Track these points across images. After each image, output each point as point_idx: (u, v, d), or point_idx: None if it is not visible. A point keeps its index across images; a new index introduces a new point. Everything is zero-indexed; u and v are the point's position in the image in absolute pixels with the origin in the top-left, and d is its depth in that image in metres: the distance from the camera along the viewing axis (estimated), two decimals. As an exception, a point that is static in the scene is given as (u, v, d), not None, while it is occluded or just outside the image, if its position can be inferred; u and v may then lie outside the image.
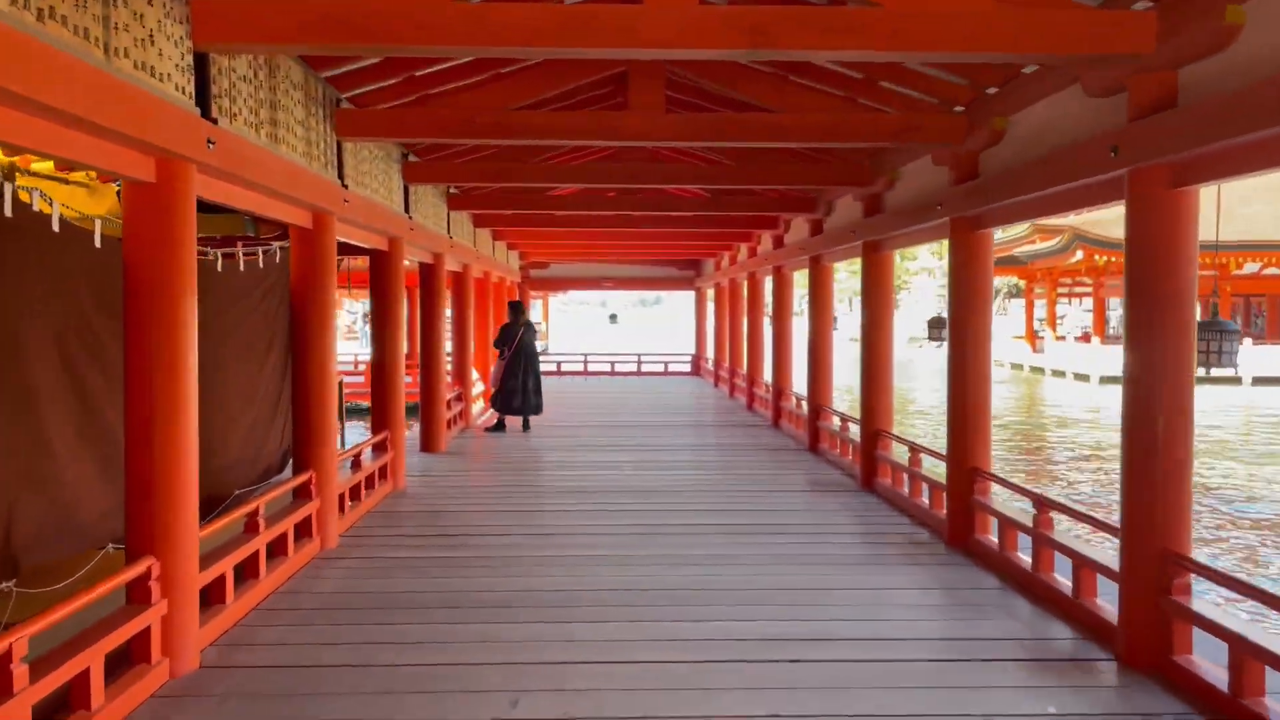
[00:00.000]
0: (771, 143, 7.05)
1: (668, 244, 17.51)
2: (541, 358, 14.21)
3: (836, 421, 10.21)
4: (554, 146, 9.35)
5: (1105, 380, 28.58)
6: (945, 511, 6.67)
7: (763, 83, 6.99)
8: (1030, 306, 39.55)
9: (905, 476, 7.71)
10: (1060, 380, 30.76)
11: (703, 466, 9.77)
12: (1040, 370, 33.63)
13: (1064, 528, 5.53)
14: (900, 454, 8.12)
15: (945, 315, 7.76)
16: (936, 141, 6.51)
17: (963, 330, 6.47)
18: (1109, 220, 28.61)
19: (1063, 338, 35.69)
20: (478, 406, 14.54)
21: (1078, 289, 39.36)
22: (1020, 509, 5.97)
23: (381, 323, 8.34)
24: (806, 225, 10.99)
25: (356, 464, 7.40)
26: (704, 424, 13.88)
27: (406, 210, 8.52)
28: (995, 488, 6.28)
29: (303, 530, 6.05)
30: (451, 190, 10.71)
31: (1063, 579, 5.03)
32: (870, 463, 8.48)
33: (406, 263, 8.92)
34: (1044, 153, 5.27)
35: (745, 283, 16.27)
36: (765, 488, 8.58)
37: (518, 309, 12.80)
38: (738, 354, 17.32)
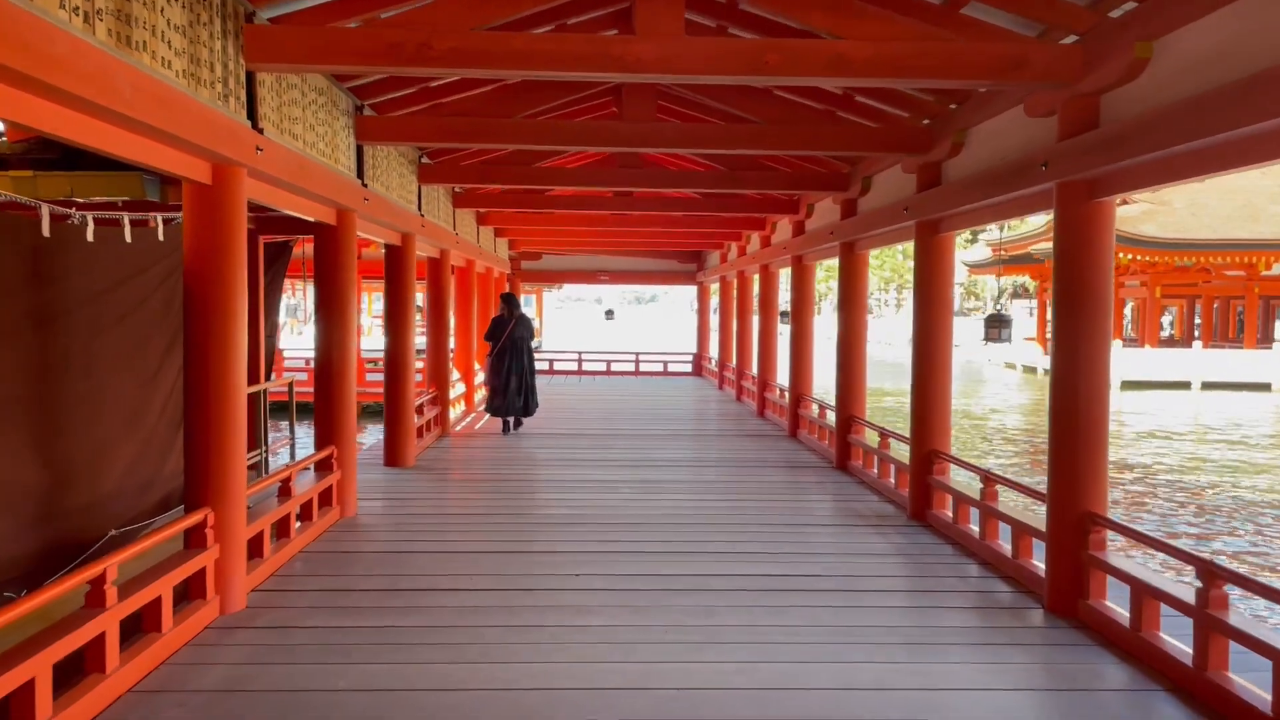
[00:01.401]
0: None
1: (669, 233, 16.00)
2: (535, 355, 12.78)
3: (871, 437, 8.70)
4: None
5: (1126, 386, 27.13)
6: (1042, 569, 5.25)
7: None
8: (1043, 307, 38.03)
9: (977, 515, 6.21)
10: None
11: (713, 489, 8.26)
12: (1032, 369, 32.13)
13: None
14: (964, 488, 6.66)
15: (1004, 313, 7.43)
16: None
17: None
18: (1134, 216, 27.18)
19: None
20: (457, 410, 12.98)
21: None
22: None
23: (327, 311, 6.80)
24: (837, 208, 9.47)
25: (286, 491, 5.86)
26: (711, 433, 12.33)
27: (360, 175, 6.98)
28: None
29: (193, 588, 4.52)
30: (423, 159, 9.16)
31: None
32: (922, 490, 6.97)
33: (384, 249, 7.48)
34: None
35: (756, 276, 14.75)
36: (791, 520, 7.09)
37: (510, 301, 11.72)
38: (746, 354, 15.80)
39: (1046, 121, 5.13)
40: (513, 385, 11.27)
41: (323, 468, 6.69)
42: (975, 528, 6.17)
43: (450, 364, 13.27)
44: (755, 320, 14.96)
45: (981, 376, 33.16)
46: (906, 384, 7.37)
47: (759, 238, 14.01)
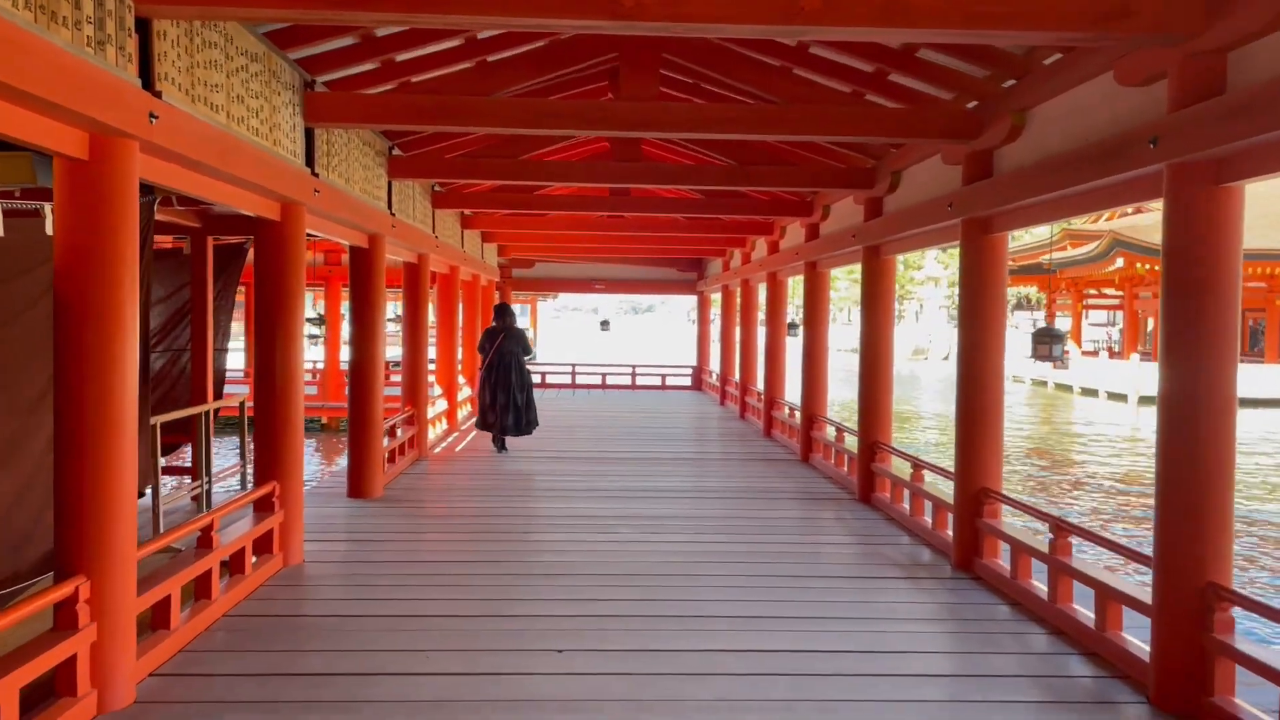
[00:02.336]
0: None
1: (668, 238, 14.98)
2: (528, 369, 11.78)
3: (900, 467, 7.68)
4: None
5: (1145, 400, 26.12)
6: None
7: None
8: (1051, 319, 37.09)
9: (1042, 569, 5.17)
10: (1091, 400, 28.29)
11: (721, 527, 7.22)
12: (1066, 388, 31.15)
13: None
14: (1028, 535, 5.64)
15: (1056, 328, 6.97)
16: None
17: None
18: (1148, 225, 26.24)
19: (1095, 352, 33.38)
20: (439, 429, 11.94)
21: (1101, 301, 36.97)
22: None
23: (268, 319, 5.77)
24: (860, 209, 8.47)
25: (207, 541, 4.81)
26: (715, 457, 11.28)
27: (310, 163, 5.95)
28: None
29: (61, 681, 3.48)
30: (394, 150, 8.14)
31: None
32: (970, 535, 5.94)
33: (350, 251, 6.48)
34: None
35: (762, 285, 13.74)
36: (813, 569, 6.05)
37: (503, 312, 10.81)
38: (750, 369, 14.78)
39: (1148, 91, 4.25)
40: (500, 401, 10.44)
41: (262, 507, 5.64)
42: (1040, 585, 5.16)
43: (432, 379, 12.24)
44: (761, 332, 13.96)
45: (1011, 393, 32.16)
46: (944, 404, 6.28)
47: (765, 243, 13.01)
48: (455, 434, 12.29)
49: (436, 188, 10.34)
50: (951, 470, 6.31)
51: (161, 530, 6.46)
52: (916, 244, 7.35)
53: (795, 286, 18.57)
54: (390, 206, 8.16)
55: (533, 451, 10.84)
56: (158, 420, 6.30)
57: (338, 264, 17.29)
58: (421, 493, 8.35)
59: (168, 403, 7.97)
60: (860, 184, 8.08)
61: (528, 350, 10.83)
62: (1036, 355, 6.79)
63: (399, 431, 9.43)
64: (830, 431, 9.98)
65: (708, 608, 5.11)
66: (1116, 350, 35.70)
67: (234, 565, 5.19)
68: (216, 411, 7.98)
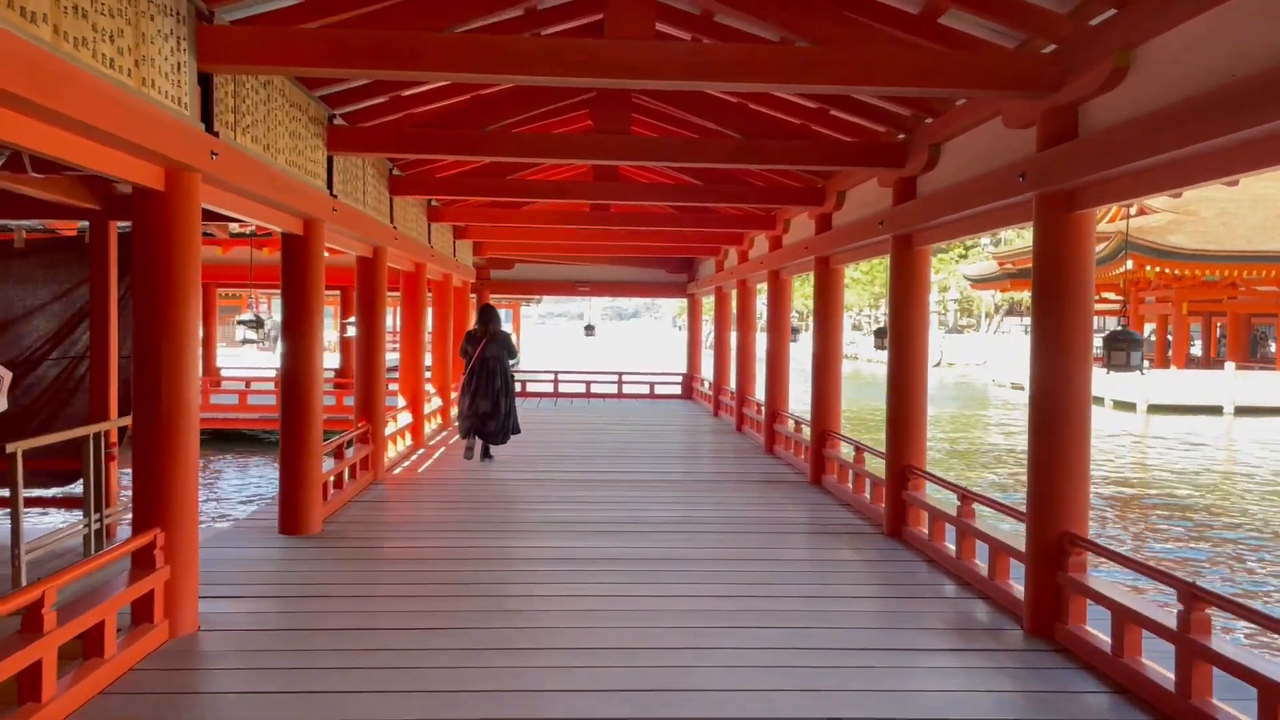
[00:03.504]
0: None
1: (658, 233, 13.75)
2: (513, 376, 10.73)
3: (942, 499, 6.43)
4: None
5: (1155, 409, 25.04)
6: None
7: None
8: (1133, 322, 35.99)
9: (1156, 646, 3.94)
10: (1097, 408, 27.16)
11: (726, 573, 5.96)
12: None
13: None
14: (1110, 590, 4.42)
15: (1132, 331, 5.80)
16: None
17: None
18: (1160, 226, 25.18)
19: (1098, 359, 32.33)
20: (401, 445, 10.63)
21: (1101, 306, 35.88)
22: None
23: (148, 318, 4.46)
24: (888, 193, 7.24)
25: (34, 622, 3.50)
26: (712, 478, 9.98)
27: (208, 122, 4.65)
28: None
29: None
30: (335, 119, 6.84)
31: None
32: (1047, 592, 4.69)
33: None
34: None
35: (764, 284, 12.51)
36: (842, 637, 4.76)
37: (486, 315, 10.26)
38: (748, 377, 13.54)
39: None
40: (481, 409, 9.92)
41: (141, 561, 4.34)
42: (1153, 666, 4.00)
43: (392, 388, 10.95)
44: (760, 337, 12.78)
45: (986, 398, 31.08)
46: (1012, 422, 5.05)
47: (767, 239, 11.76)
48: (420, 451, 10.97)
49: (395, 171, 9.03)
50: (1022, 509, 5.06)
51: (24, 582, 5.16)
52: (964, 230, 6.13)
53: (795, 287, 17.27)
54: (331, 187, 6.86)
55: (508, 472, 9.58)
56: (18, 447, 4.97)
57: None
58: (370, 527, 7.04)
59: (61, 420, 6.66)
60: (890, 162, 6.85)
61: (513, 354, 10.27)
62: (1111, 364, 5.56)
63: (348, 451, 8.11)
64: (846, 451, 8.74)
65: (705, 678, 3.84)
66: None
67: (90, 645, 3.88)
68: (125, 430, 6.69)
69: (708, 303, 20.91)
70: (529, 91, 7.21)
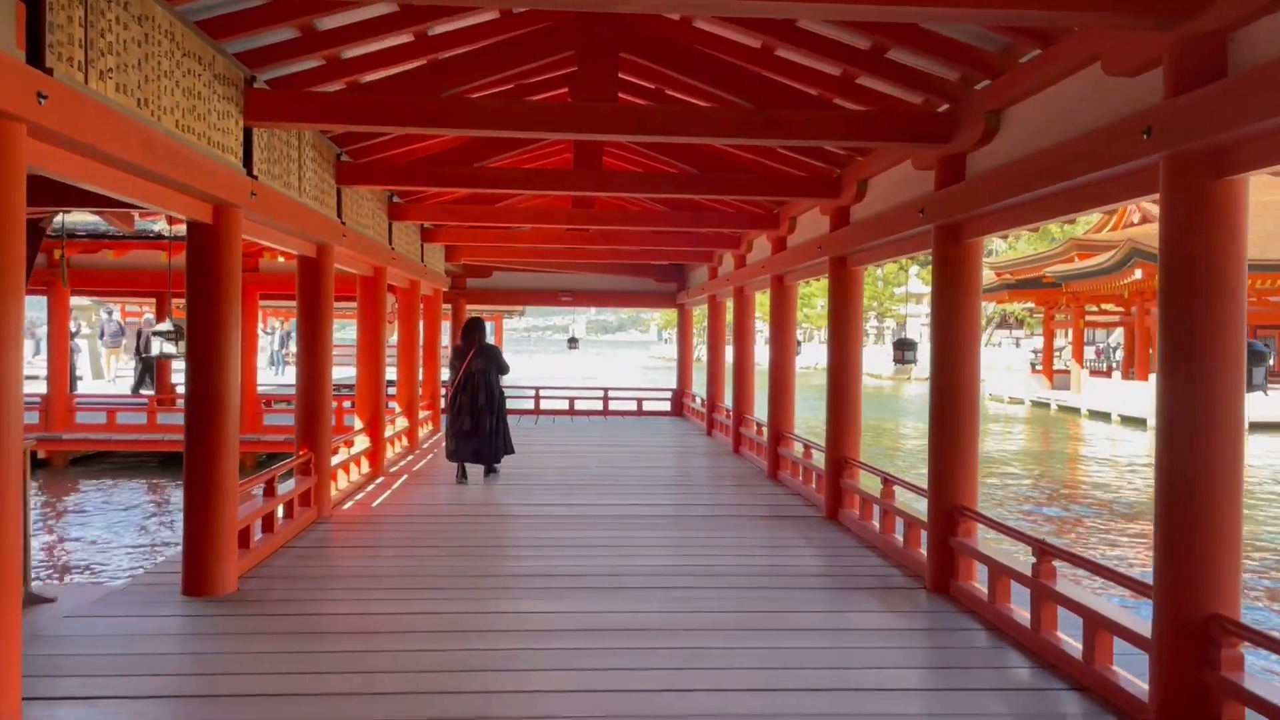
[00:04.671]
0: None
1: (647, 235, 12.51)
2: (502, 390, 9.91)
3: (997, 542, 5.19)
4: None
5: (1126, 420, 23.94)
6: None
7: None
8: (1049, 336, 35.02)
9: None
10: (1103, 424, 26.09)
11: (737, 651, 4.70)
12: (1073, 410, 28.95)
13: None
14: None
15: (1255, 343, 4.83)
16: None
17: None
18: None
19: (1107, 372, 31.34)
20: (356, 474, 9.32)
21: (1102, 318, 34.93)
22: None
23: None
24: (928, 178, 6.02)
25: None
26: (709, 512, 8.64)
27: (37, 62, 3.37)
28: None
29: None
30: (257, 82, 5.56)
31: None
32: (1186, 682, 3.45)
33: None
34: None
35: (766, 291, 11.32)
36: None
37: (472, 329, 9.78)
38: (746, 394, 12.32)
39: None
40: (466, 427, 9.37)
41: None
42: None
43: (328, 409, 9.65)
44: (765, 349, 11.63)
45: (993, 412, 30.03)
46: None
47: (769, 239, 10.54)
48: (379, 480, 9.67)
49: (343, 156, 7.78)
50: (1121, 572, 3.83)
51: None
52: (1032, 215, 4.91)
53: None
54: (251, 167, 5.59)
55: (477, 506, 8.30)
56: None
57: (253, 269, 14.61)
58: (299, 584, 5.75)
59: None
60: (930, 136, 5.63)
61: (502, 369, 9.73)
62: (1253, 384, 4.35)
63: (277, 488, 6.79)
64: (867, 481, 7.52)
65: None
66: (1108, 369, 33.69)
67: None
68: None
69: (700, 313, 19.70)
70: (498, 51, 5.98)
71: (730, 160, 8.55)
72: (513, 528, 7.49)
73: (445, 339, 18.24)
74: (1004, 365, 44.12)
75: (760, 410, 11.76)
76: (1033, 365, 36.67)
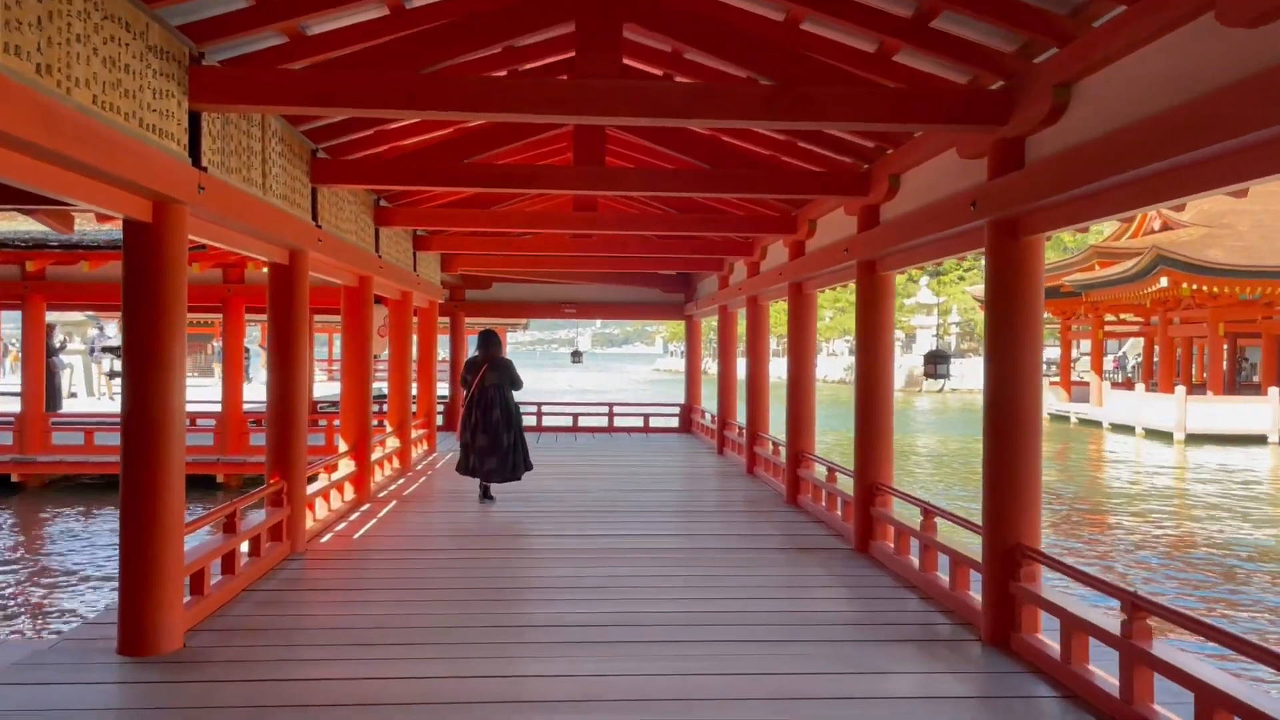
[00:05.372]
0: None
1: (653, 242, 11.78)
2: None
3: (1068, 595, 4.45)
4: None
5: (1194, 439, 23.12)
6: None
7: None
8: (1066, 347, 34.19)
9: None
10: (1127, 437, 25.26)
11: (759, 700, 3.97)
12: (1094, 423, 28.11)
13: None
14: None
15: None
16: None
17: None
18: (1195, 240, 23.38)
19: (1127, 384, 30.50)
20: (338, 501, 8.57)
21: (1121, 328, 34.12)
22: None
23: None
24: (980, 166, 5.27)
25: None
26: (724, 544, 7.75)
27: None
28: None
29: None
30: (205, 59, 4.82)
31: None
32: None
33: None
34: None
35: (781, 300, 10.58)
36: None
37: (486, 341, 9.41)
38: (761, 410, 11.55)
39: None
40: (480, 443, 9.05)
41: None
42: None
43: (302, 429, 8.91)
44: (777, 363, 10.89)
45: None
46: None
47: (786, 245, 9.79)
48: (365, 507, 8.91)
49: (320, 153, 7.06)
50: (1244, 637, 3.09)
51: None
52: (1107, 207, 4.16)
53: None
54: (199, 158, 4.86)
55: (470, 535, 7.56)
56: None
57: (238, 280, 13.90)
58: (255, 640, 4.98)
59: None
60: (979, 116, 4.87)
61: (515, 383, 9.36)
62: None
63: (238, 523, 6.03)
64: (903, 511, 6.76)
65: None
66: (1127, 381, 32.80)
67: None
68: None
69: (709, 324, 18.94)
70: (487, 22, 5.25)
71: (744, 156, 7.93)
72: (506, 565, 6.73)
73: (443, 353, 17.53)
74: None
75: (775, 428, 11.01)
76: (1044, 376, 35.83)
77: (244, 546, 6.10)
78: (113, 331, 29.59)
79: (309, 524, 7.37)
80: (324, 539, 7.46)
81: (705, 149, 7.98)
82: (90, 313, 27.81)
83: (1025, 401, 4.88)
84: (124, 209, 4.35)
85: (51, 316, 30.79)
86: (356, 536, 7.62)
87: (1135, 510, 14.65)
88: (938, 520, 6.05)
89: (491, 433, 9.04)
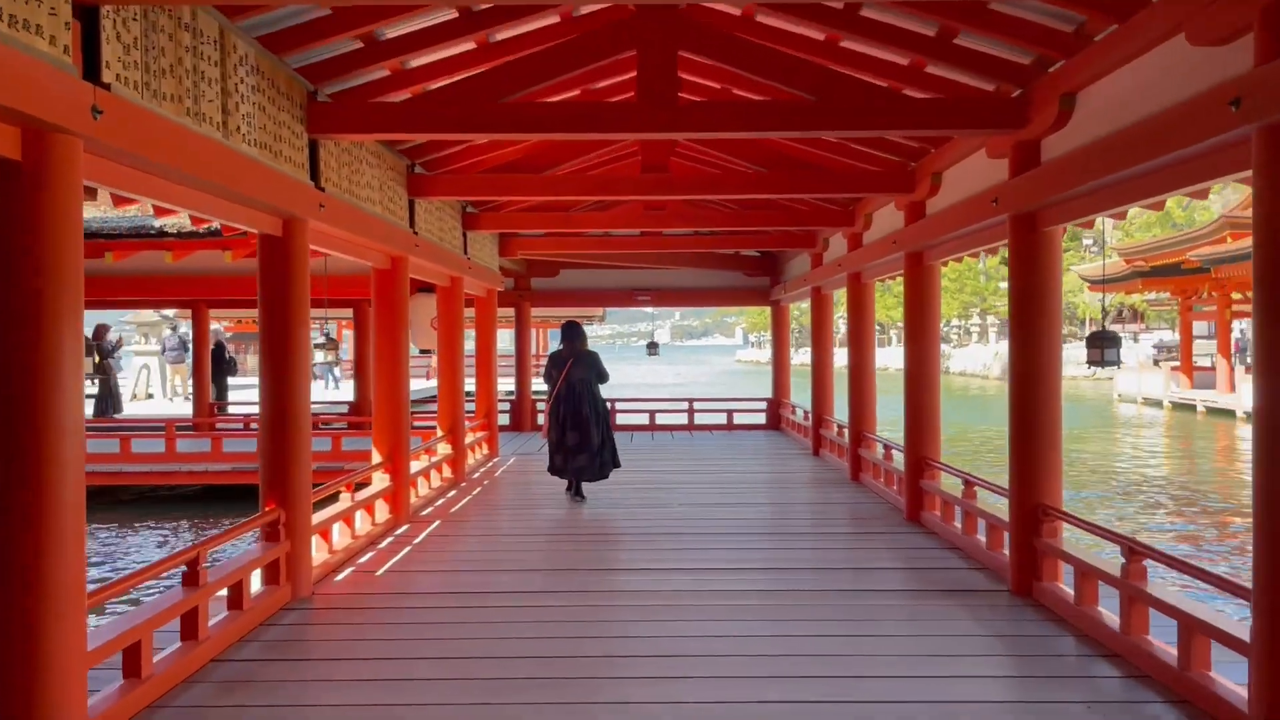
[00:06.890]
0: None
1: (733, 217, 10.23)
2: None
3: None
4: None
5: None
6: None
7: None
8: (1187, 329, 31.25)
9: None
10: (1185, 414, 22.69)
11: None
12: (1225, 413, 25.53)
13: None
14: None
15: None
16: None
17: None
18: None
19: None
20: (366, 521, 7.17)
21: (1247, 307, 31.02)
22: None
23: None
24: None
25: None
26: (832, 582, 6.11)
27: None
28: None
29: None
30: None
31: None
32: None
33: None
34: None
35: (894, 278, 8.91)
36: None
37: (571, 333, 9.37)
38: (866, 408, 9.83)
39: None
40: (571, 441, 8.94)
41: None
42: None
43: (304, 436, 7.57)
44: (882, 352, 9.49)
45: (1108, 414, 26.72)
46: None
47: (900, 209, 8.05)
48: (402, 529, 7.50)
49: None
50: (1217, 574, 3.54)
51: None
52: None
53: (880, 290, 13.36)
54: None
55: (513, 576, 6.05)
56: None
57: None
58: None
59: None
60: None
61: (602, 376, 9.25)
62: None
63: (201, 572, 4.59)
64: (1097, 548, 5.08)
65: None
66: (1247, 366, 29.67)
67: None
68: None
69: (800, 309, 17.21)
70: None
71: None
72: (561, 612, 5.21)
73: (504, 345, 16.20)
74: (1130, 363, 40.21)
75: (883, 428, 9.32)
76: (1155, 361, 32.95)
77: (242, 588, 4.71)
78: (185, 330, 28.86)
79: (323, 557, 5.99)
80: (340, 576, 6.05)
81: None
82: (166, 310, 27.19)
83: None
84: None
85: (125, 315, 30.37)
86: (380, 573, 6.22)
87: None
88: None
89: (582, 429, 8.94)
